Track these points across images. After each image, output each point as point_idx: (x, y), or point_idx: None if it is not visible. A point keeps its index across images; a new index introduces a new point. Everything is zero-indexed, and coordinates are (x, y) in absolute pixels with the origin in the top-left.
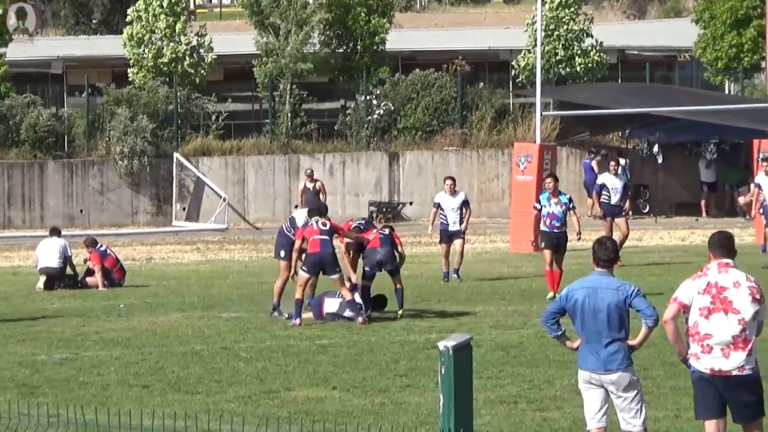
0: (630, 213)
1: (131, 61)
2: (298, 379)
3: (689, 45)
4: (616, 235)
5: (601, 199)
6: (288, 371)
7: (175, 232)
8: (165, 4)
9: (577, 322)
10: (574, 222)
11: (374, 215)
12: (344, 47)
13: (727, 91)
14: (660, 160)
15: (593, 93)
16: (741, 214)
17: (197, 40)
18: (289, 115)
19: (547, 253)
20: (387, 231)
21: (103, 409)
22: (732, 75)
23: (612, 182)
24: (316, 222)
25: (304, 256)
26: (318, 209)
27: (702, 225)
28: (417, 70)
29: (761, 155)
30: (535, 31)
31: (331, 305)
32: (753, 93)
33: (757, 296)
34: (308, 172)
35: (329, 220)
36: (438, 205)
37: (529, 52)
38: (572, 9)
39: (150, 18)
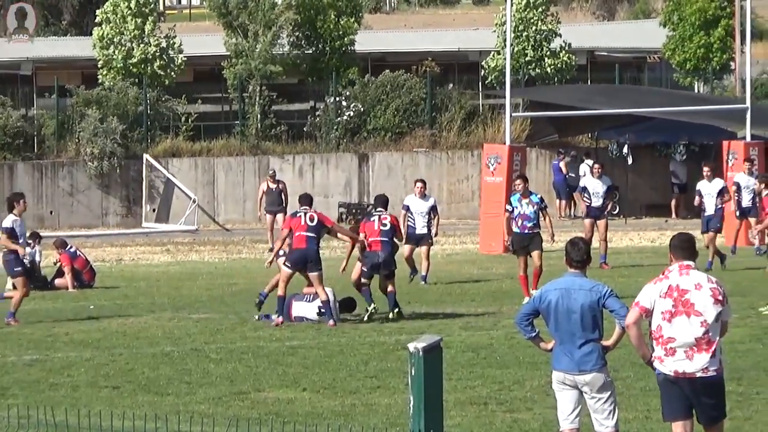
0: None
1: (101, 63)
2: (269, 381)
3: (658, 46)
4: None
5: (584, 201)
6: (258, 373)
7: (145, 234)
8: (134, 6)
9: (551, 323)
10: (547, 224)
11: (344, 216)
12: (313, 48)
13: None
14: (630, 162)
15: (563, 93)
16: None
17: (166, 41)
18: (259, 116)
19: (521, 259)
20: (388, 226)
21: (73, 410)
22: (701, 76)
23: (593, 186)
24: (305, 215)
25: (287, 250)
26: (309, 198)
27: (672, 226)
28: (386, 71)
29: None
30: (505, 32)
31: (299, 309)
32: (722, 94)
33: (720, 297)
34: (271, 172)
35: (317, 212)
36: (407, 208)
37: (499, 53)
38: (540, 9)
39: (119, 19)
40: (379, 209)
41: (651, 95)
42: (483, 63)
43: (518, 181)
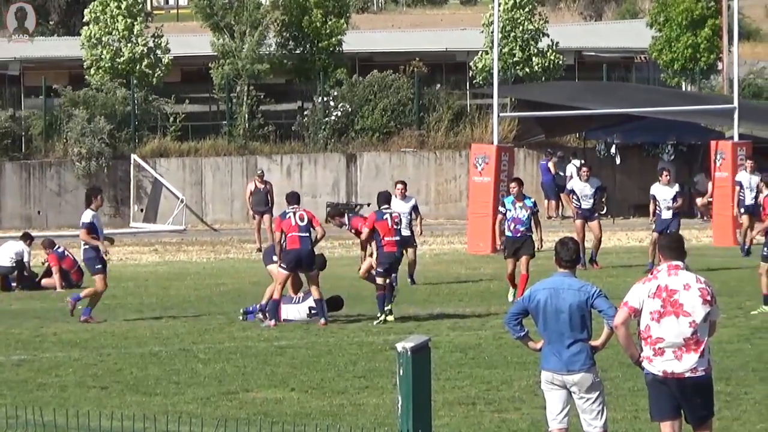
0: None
1: (88, 63)
2: (257, 381)
3: (646, 46)
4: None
5: (573, 204)
6: (246, 373)
7: (133, 234)
8: (122, 6)
9: (540, 322)
10: (537, 230)
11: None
12: (301, 48)
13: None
14: (618, 162)
15: (551, 91)
16: (699, 215)
17: (154, 41)
18: (247, 116)
19: (509, 261)
20: (399, 224)
21: (61, 410)
22: (688, 76)
23: (581, 188)
24: (294, 214)
25: (281, 252)
26: (296, 197)
27: None
28: (374, 71)
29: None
30: (492, 32)
31: (288, 311)
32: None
33: (708, 297)
34: (259, 172)
35: (306, 211)
36: None
37: (486, 54)
38: (527, 9)
39: (107, 19)
40: (385, 206)
41: (639, 92)
42: (471, 63)
43: (513, 184)
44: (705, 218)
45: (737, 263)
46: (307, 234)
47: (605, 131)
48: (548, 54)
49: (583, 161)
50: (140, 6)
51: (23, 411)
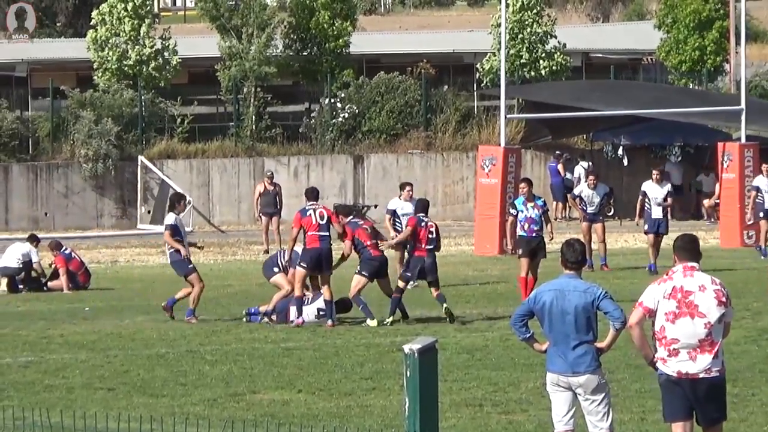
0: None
1: (95, 64)
2: (264, 382)
3: (653, 48)
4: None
5: (580, 207)
6: (253, 374)
7: (140, 235)
8: (129, 8)
9: (545, 324)
10: (548, 228)
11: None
12: (308, 50)
13: None
14: (625, 163)
15: (558, 91)
16: (706, 217)
17: (162, 43)
18: (254, 118)
19: (525, 261)
20: (434, 235)
21: (68, 412)
22: (696, 78)
23: (588, 194)
24: (314, 212)
25: (301, 251)
26: (315, 192)
27: None
28: (381, 73)
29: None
30: (500, 33)
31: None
32: None
33: (723, 299)
34: (268, 174)
35: (325, 208)
36: (393, 212)
37: (494, 55)
38: (535, 11)
39: (114, 21)
40: (424, 216)
41: (647, 90)
42: (478, 65)
43: (523, 185)
44: (712, 220)
45: (744, 265)
46: (327, 233)
47: (612, 132)
48: (555, 56)
49: (590, 164)
50: (147, 8)
51: (30, 412)
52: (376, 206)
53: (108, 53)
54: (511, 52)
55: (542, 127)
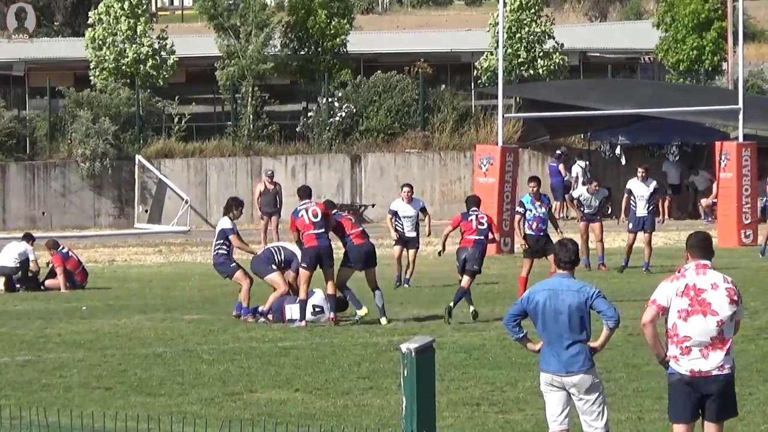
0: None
1: (92, 64)
2: (261, 382)
3: (651, 47)
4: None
5: (577, 209)
6: (250, 373)
7: (138, 235)
8: (126, 7)
9: (539, 324)
10: (552, 222)
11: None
12: (305, 49)
13: None
14: (623, 162)
15: (556, 89)
16: (703, 216)
17: (159, 42)
18: (251, 117)
19: (527, 261)
20: (485, 226)
21: (65, 411)
22: (693, 77)
23: (586, 198)
24: (306, 211)
25: (301, 251)
26: (308, 191)
27: (664, 227)
28: (379, 72)
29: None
30: (497, 33)
31: (293, 311)
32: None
33: (735, 297)
34: (269, 173)
35: (318, 204)
36: (395, 213)
37: (491, 54)
38: (533, 11)
39: (112, 20)
40: (474, 209)
41: (645, 88)
42: (476, 64)
43: (533, 183)
44: (709, 219)
45: (741, 264)
46: (323, 230)
47: (610, 132)
48: (553, 55)
49: (587, 163)
50: (144, 7)
51: (27, 412)
52: (373, 205)
53: (105, 52)
54: (509, 51)
55: (540, 126)
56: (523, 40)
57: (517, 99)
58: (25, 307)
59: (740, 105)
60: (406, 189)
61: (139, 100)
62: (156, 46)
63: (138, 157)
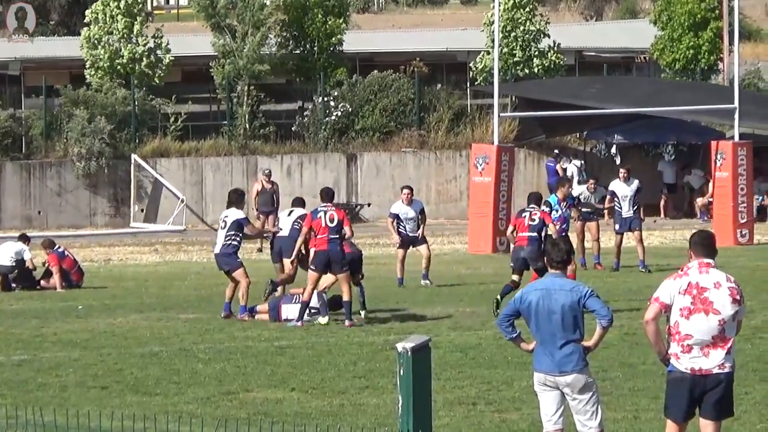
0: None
1: (88, 63)
2: (257, 381)
3: (647, 46)
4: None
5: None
6: (246, 372)
7: (133, 234)
8: (122, 6)
9: (532, 324)
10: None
11: None
12: (301, 48)
13: None
14: (618, 161)
15: (552, 87)
16: (699, 215)
17: (154, 41)
18: (247, 116)
19: None
20: (536, 221)
21: (61, 410)
22: (689, 77)
23: (587, 197)
24: (325, 214)
25: (312, 253)
26: (330, 194)
27: (660, 226)
28: (374, 71)
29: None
30: (493, 32)
31: (289, 311)
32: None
33: (737, 297)
34: (266, 172)
35: (337, 210)
36: (396, 216)
37: (487, 53)
38: (528, 9)
39: (107, 19)
40: (531, 206)
41: (641, 84)
42: (471, 63)
43: (567, 185)
44: (705, 218)
45: (737, 263)
46: (337, 236)
47: (606, 131)
48: (549, 54)
49: (583, 162)
50: (140, 6)
51: (23, 411)
52: (369, 205)
53: (101, 51)
54: (505, 50)
55: (536, 125)
56: (519, 39)
57: (513, 98)
58: (20, 307)
59: (736, 104)
60: (406, 191)
61: (134, 99)
62: (152, 45)
63: (134, 156)
